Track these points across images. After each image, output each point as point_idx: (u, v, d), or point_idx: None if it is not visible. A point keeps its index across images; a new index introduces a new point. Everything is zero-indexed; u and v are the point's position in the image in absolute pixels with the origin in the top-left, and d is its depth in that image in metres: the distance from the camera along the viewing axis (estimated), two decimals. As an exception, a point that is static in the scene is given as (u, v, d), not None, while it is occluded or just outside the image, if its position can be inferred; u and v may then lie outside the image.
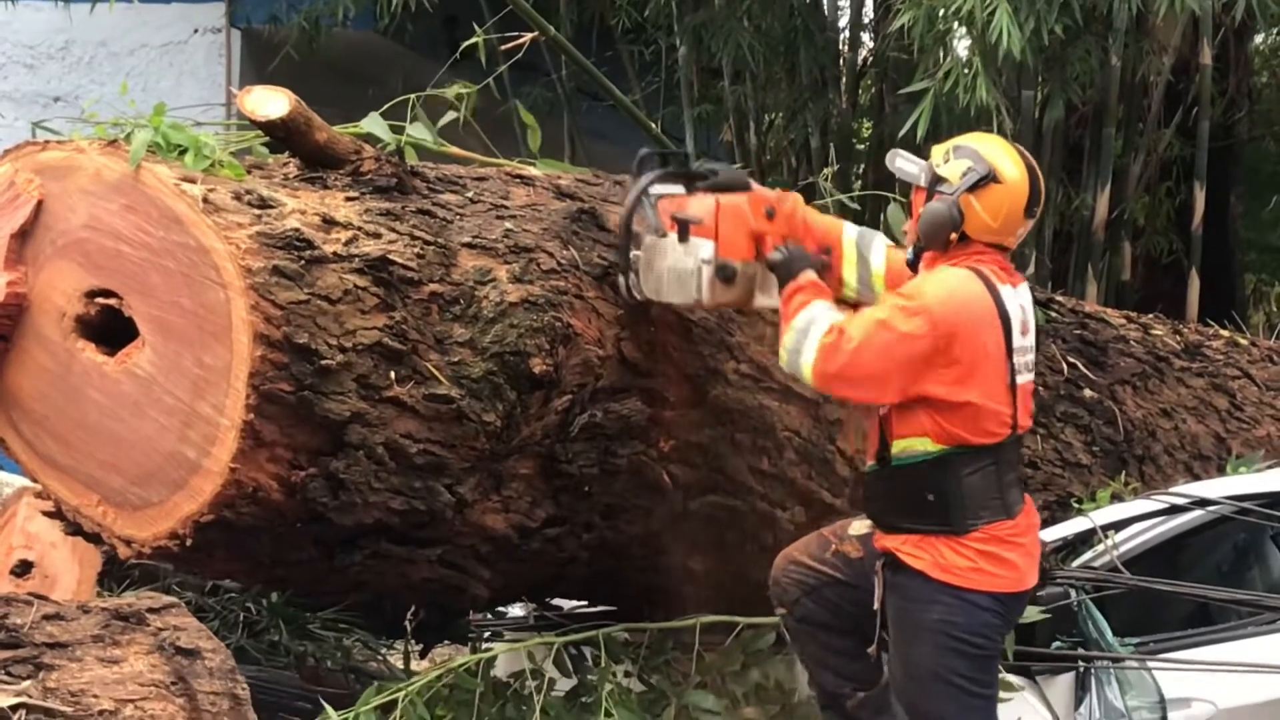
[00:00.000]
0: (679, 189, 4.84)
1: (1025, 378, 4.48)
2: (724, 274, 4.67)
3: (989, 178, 4.45)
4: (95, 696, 3.48)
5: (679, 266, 4.71)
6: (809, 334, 4.43)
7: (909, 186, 4.63)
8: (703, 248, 4.68)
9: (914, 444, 4.39)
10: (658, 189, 4.84)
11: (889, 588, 4.45)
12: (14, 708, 3.35)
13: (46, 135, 4.85)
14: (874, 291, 4.75)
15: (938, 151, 4.54)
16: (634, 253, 4.81)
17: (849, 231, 4.83)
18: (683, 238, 4.70)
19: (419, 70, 11.35)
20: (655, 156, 4.94)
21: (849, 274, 4.79)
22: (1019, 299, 4.48)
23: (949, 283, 4.40)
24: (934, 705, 4.41)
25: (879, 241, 4.82)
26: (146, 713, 3.52)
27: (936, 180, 4.50)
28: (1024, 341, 4.48)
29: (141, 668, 3.60)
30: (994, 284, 4.42)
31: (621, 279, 4.83)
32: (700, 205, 4.74)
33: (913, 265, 4.57)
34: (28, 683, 3.42)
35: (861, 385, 4.41)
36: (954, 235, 4.45)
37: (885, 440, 4.44)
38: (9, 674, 3.43)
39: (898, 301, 4.36)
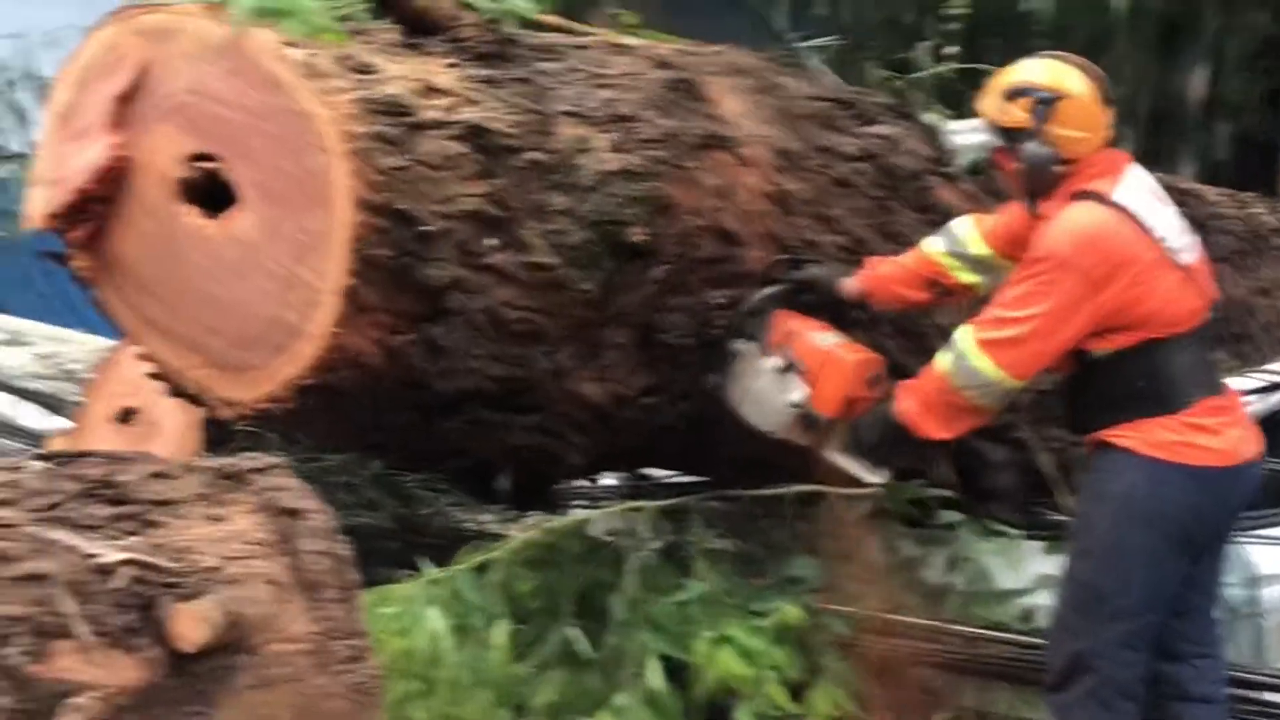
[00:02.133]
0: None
1: (1190, 254, 4.44)
2: (807, 422, 4.69)
3: (1055, 98, 4.40)
4: (200, 554, 3.52)
5: (767, 396, 4.74)
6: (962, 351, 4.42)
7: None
8: (796, 390, 4.69)
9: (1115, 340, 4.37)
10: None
11: (1090, 471, 4.43)
12: (122, 563, 3.41)
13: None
14: (992, 264, 4.75)
15: (989, 108, 4.48)
16: (735, 346, 4.82)
17: (930, 245, 4.84)
18: (783, 371, 4.70)
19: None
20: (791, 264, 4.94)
21: (964, 276, 4.80)
22: (1137, 184, 4.44)
23: (1070, 223, 4.34)
24: (1099, 577, 4.36)
25: (958, 224, 4.82)
26: (251, 570, 3.56)
27: (1011, 134, 4.45)
28: (1165, 217, 4.44)
29: (245, 526, 3.63)
30: (1108, 196, 4.37)
31: (712, 374, 4.84)
32: (811, 349, 4.72)
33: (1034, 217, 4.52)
34: (135, 539, 3.47)
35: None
36: (1058, 168, 4.41)
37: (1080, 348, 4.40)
38: (117, 530, 3.48)
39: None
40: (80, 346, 7.62)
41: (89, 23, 8.60)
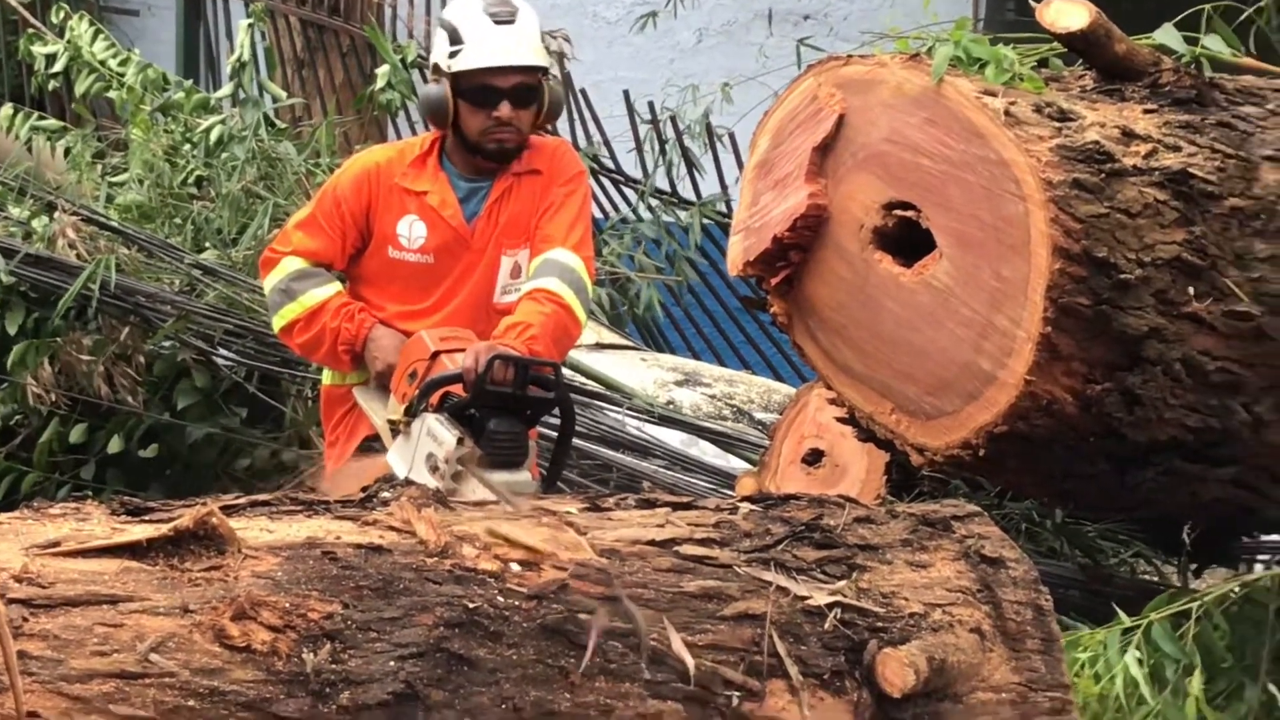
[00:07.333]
0: None
1: None
2: None
3: None
4: (905, 599, 3.56)
5: None
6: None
7: None
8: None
9: None
10: None
11: None
12: (831, 605, 3.47)
13: (818, 53, 4.99)
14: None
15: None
16: None
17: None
18: None
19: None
20: None
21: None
22: None
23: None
24: None
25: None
26: (954, 617, 3.58)
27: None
28: None
29: (948, 573, 3.65)
30: None
31: None
32: None
33: None
34: (842, 582, 3.52)
35: None
36: None
37: None
38: (824, 573, 3.54)
39: None
40: (750, 387, 7.83)
41: (759, 72, 8.89)
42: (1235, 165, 4.44)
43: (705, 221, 9.76)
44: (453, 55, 4.97)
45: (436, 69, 5.05)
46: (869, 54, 4.65)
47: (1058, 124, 4.33)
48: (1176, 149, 4.40)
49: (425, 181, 5.04)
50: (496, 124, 4.96)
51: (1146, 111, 4.50)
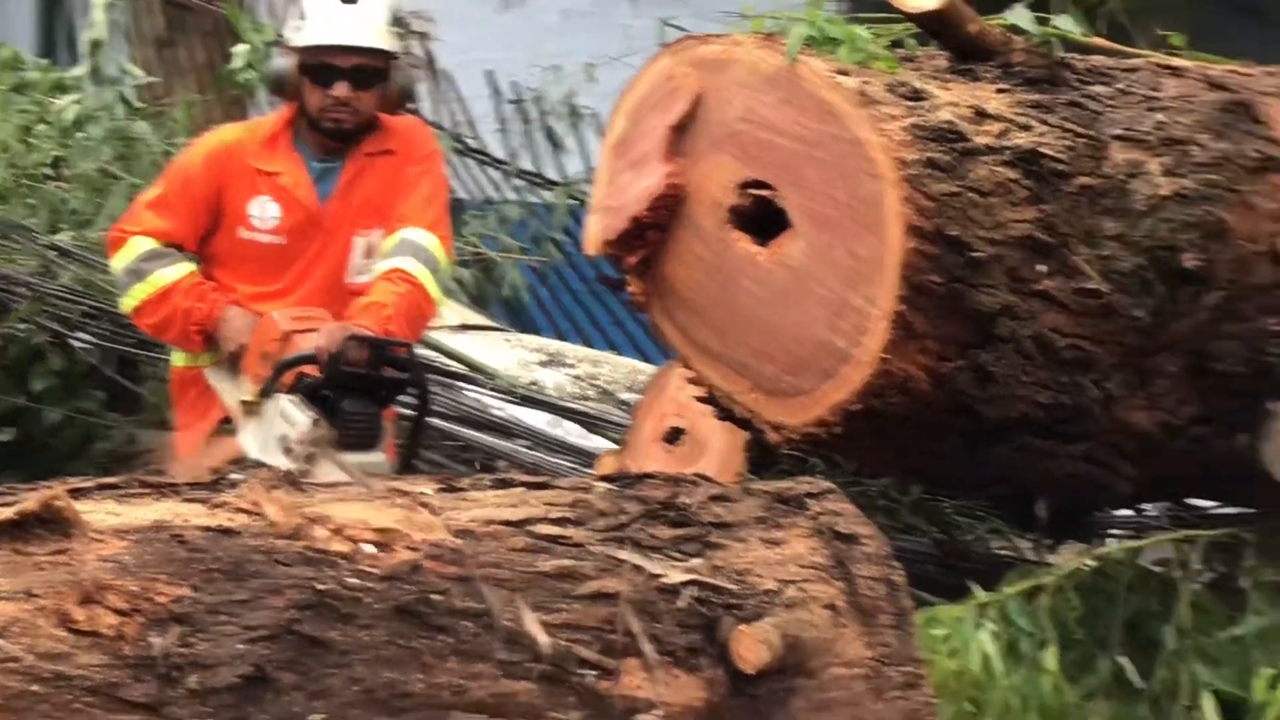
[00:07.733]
0: None
1: None
2: None
3: None
4: (759, 576, 3.58)
5: None
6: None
7: None
8: None
9: None
10: None
11: None
12: (685, 583, 3.48)
13: (682, 32, 5.00)
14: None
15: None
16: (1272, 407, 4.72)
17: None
18: None
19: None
20: None
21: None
22: None
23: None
24: None
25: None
26: (808, 594, 3.60)
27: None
28: None
29: (802, 550, 3.67)
30: None
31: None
32: None
33: None
34: (697, 560, 3.54)
35: None
36: None
37: None
38: (679, 551, 3.55)
39: None
40: (615, 368, 7.83)
41: (623, 52, 8.89)
42: (1085, 144, 4.50)
43: (570, 202, 9.75)
44: (298, 30, 4.96)
45: (286, 43, 5.03)
46: (725, 33, 4.66)
47: (911, 103, 4.36)
48: (1028, 128, 4.45)
49: (278, 162, 5.01)
50: (334, 103, 4.94)
51: (999, 91, 4.54)
